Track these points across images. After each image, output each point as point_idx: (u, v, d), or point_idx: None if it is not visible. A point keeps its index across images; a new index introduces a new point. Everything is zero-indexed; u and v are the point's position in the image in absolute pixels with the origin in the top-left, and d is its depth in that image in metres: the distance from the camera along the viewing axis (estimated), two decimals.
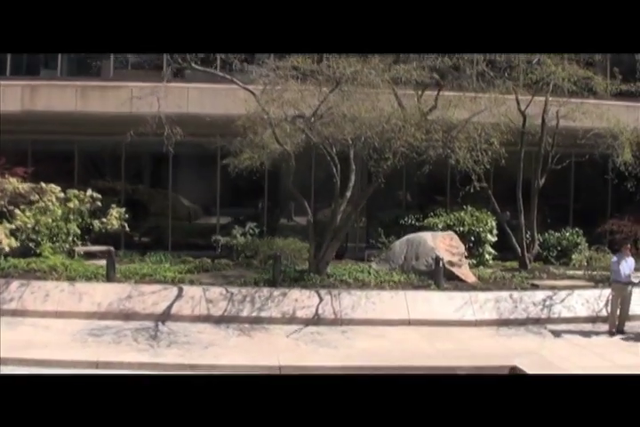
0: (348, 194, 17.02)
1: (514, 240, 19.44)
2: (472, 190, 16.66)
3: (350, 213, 17.31)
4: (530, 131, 18.79)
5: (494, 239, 20.63)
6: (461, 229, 20.05)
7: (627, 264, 15.20)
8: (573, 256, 21.00)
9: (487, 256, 20.43)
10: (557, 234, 21.59)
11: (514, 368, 12.30)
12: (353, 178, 16.96)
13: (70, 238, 18.83)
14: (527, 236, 19.61)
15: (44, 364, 11.71)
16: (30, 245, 18.09)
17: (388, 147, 15.15)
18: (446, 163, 16.64)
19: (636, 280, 15.33)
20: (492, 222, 20.57)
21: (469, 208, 20.81)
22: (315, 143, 16.08)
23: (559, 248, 21.34)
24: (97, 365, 11.91)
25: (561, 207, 23.36)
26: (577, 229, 21.85)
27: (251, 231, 20.50)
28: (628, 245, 15.69)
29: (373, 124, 14.97)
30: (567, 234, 21.58)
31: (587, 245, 21.46)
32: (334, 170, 16.78)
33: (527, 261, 19.39)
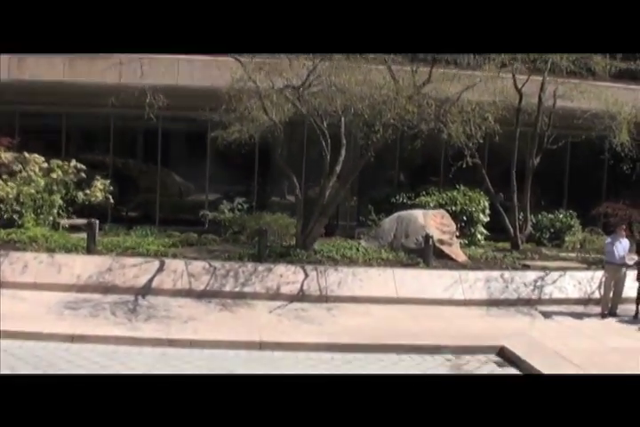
0: (338, 168, 16.63)
1: (506, 221, 19.11)
2: (465, 166, 16.38)
3: (339, 188, 16.95)
4: (526, 110, 18.44)
5: (487, 219, 20.37)
6: (454, 208, 19.77)
7: (621, 246, 14.89)
8: (567, 238, 20.74)
9: (479, 236, 20.18)
10: (551, 215, 21.35)
11: (502, 349, 12.09)
12: (343, 153, 16.60)
13: (55, 211, 18.48)
14: (520, 217, 19.32)
15: (19, 336, 11.49)
16: (14, 216, 17.72)
17: (379, 119, 14.80)
18: (440, 141, 16.34)
19: (630, 262, 15.04)
20: (485, 202, 20.30)
21: (462, 188, 20.52)
22: (304, 115, 15.73)
23: (552, 230, 21.12)
24: (72, 338, 11.63)
25: (555, 188, 23.12)
26: (571, 211, 21.60)
27: (239, 207, 20.16)
28: (623, 226, 15.41)
29: (364, 96, 14.61)
30: (561, 216, 21.36)
31: (580, 227, 21.20)
32: (324, 144, 16.42)
33: (519, 242, 19.09)
